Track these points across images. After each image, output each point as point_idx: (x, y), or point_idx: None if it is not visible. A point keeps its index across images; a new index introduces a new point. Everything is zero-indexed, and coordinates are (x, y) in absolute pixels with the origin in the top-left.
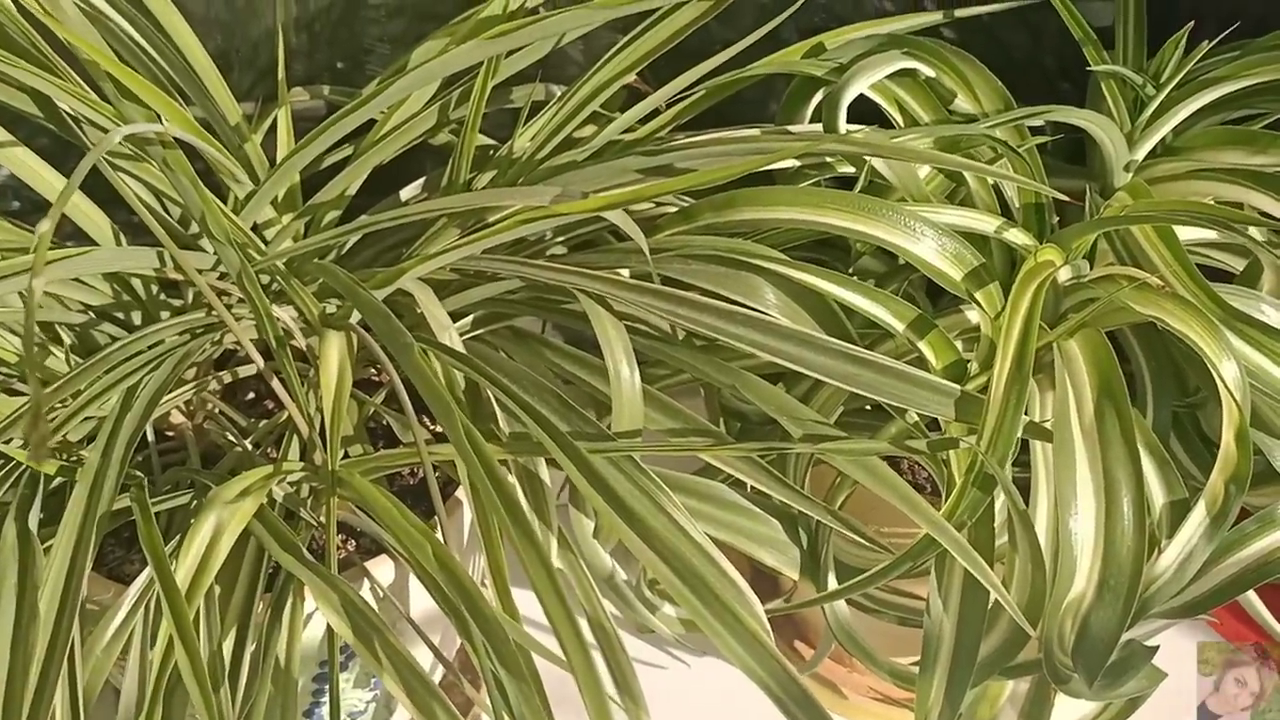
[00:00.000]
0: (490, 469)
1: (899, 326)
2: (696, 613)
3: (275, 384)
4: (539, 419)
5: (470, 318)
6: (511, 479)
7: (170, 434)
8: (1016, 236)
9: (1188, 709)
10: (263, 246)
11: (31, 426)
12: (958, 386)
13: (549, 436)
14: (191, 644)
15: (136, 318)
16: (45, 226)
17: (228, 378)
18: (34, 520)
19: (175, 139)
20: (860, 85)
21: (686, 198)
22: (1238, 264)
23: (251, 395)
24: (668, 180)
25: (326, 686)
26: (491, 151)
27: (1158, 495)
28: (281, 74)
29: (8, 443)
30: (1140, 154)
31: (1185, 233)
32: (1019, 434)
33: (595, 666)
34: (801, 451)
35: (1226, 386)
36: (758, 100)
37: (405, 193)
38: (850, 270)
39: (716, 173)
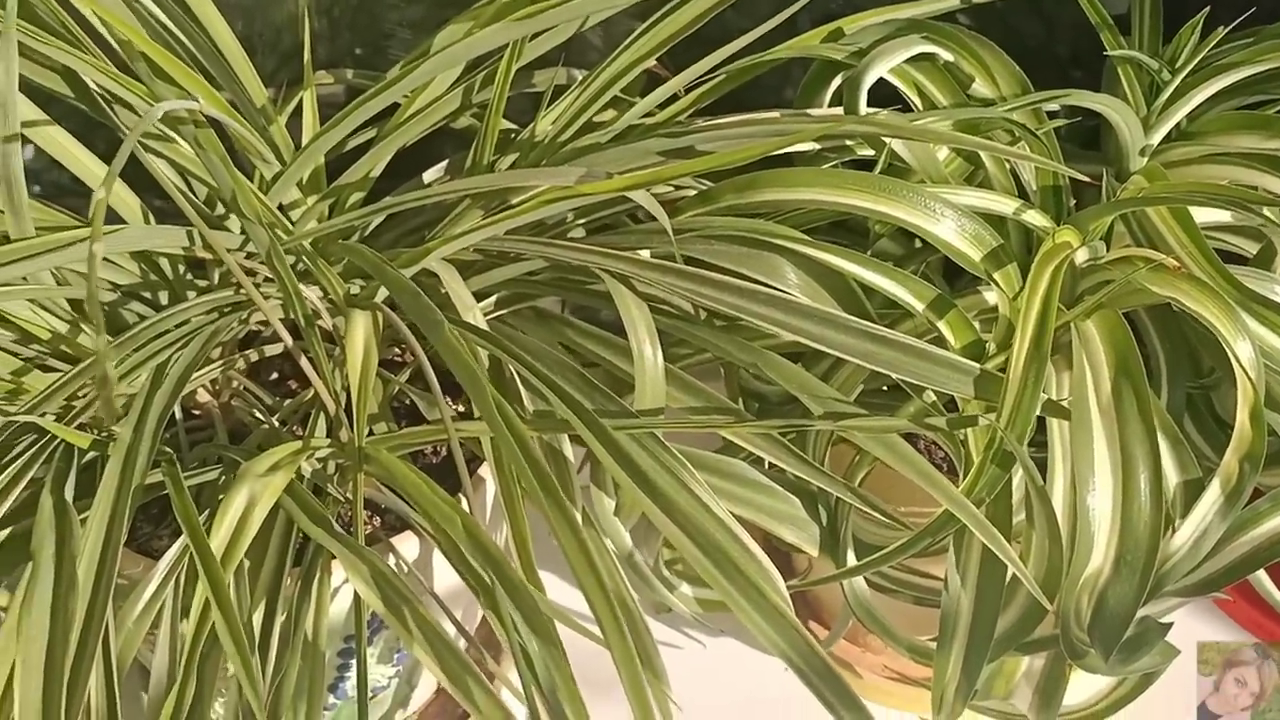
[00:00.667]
0: (519, 437)
1: (918, 306)
2: (720, 587)
3: (303, 362)
4: (563, 395)
5: (493, 298)
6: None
7: (197, 412)
8: (1034, 218)
9: (1188, 709)
10: (290, 226)
11: (100, 385)
12: (977, 365)
13: (573, 413)
14: (228, 606)
15: (164, 297)
16: (102, 194)
17: (254, 356)
18: (69, 494)
19: (205, 118)
20: (881, 68)
21: (707, 180)
22: (1252, 248)
23: (275, 375)
24: (690, 161)
25: (351, 661)
26: (514, 135)
27: (1172, 475)
28: (307, 56)
29: (43, 416)
30: (1156, 138)
31: (1200, 216)
32: (1037, 412)
33: (626, 633)
34: (822, 428)
35: (1241, 366)
36: (775, 86)
37: (428, 176)
38: (869, 253)
39: (737, 154)
